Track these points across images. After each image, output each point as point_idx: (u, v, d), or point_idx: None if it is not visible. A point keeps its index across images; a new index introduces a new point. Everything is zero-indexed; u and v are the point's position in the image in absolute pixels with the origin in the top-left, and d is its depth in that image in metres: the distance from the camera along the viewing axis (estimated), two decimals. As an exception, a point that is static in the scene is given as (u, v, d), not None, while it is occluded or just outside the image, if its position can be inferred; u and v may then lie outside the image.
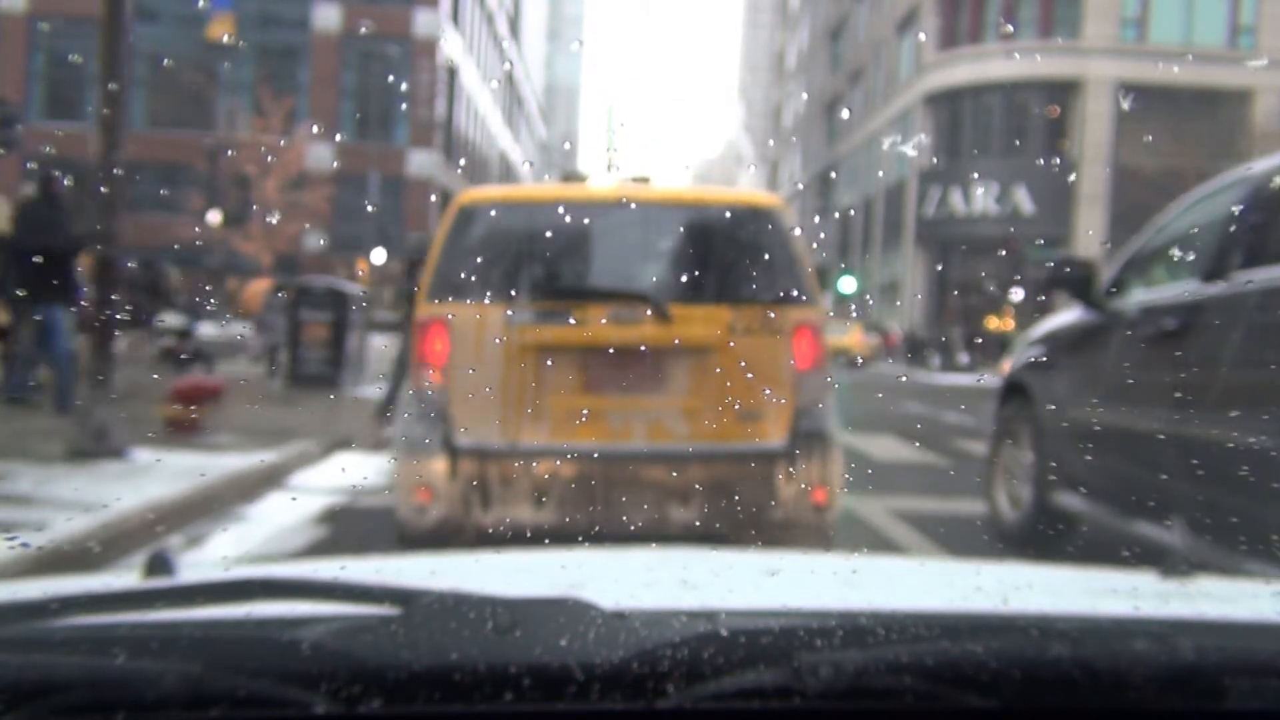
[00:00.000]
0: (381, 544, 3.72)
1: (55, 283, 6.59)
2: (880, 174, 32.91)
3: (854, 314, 32.88)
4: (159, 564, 0.90)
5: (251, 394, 9.69)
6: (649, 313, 3.21)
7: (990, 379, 18.24)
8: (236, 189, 19.82)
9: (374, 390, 10.51)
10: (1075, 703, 0.67)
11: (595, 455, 3.17)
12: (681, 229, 3.56)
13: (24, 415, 6.81)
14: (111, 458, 5.06)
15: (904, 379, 22.12)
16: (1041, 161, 26.25)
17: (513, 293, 3.24)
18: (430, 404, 3.22)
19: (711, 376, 3.24)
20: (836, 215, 38.99)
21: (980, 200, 26.56)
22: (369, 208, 28.57)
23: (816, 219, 42.90)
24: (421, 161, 32.40)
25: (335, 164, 29.88)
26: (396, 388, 6.93)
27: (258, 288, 16.58)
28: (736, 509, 3.16)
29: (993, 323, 26.35)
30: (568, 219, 3.43)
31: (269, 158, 26.22)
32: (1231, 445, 2.75)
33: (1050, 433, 4.05)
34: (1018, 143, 26.53)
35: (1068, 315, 4.27)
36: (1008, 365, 4.96)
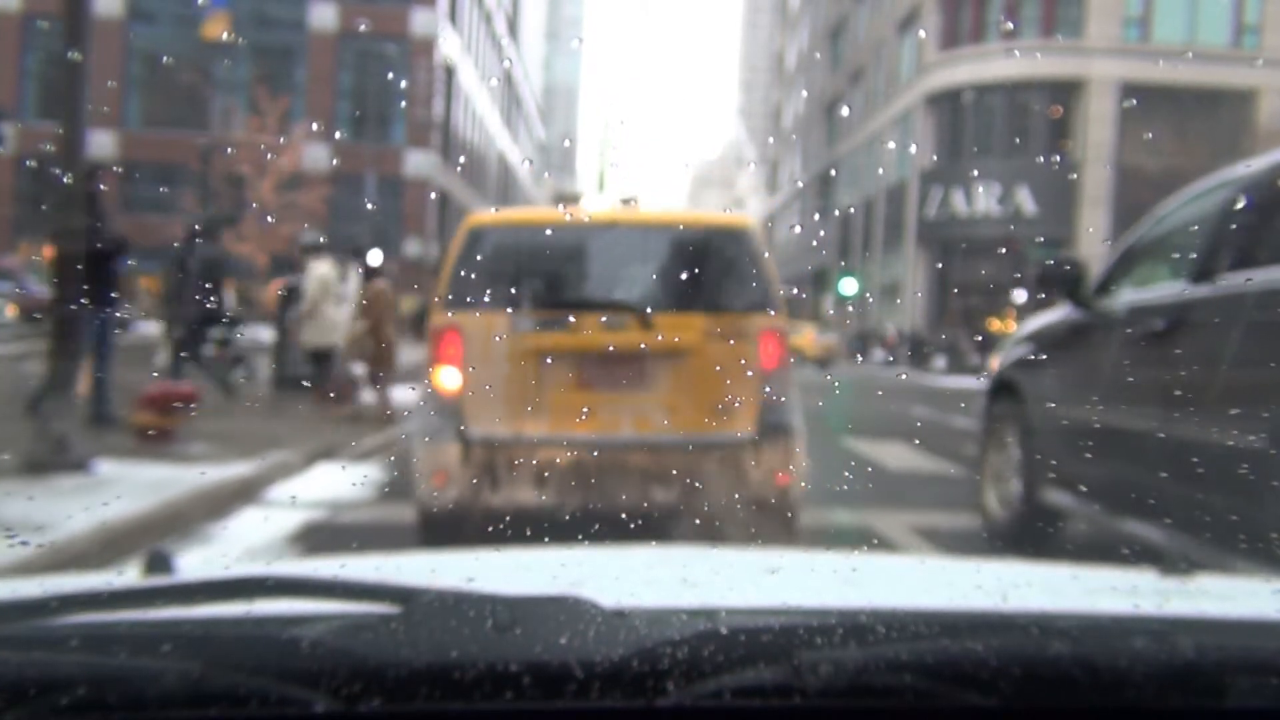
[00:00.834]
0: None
1: (101, 287, 6.04)
2: (881, 174, 32.95)
3: (845, 314, 32.90)
4: (159, 562, 0.90)
5: (237, 399, 9.19)
6: (635, 320, 3.70)
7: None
8: (229, 188, 19.78)
9: (368, 395, 10.35)
10: (1075, 701, 0.68)
11: (589, 444, 3.62)
12: (663, 247, 4.06)
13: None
14: (72, 471, 4.63)
15: (904, 376, 22.14)
16: (1044, 162, 26.28)
17: (516, 303, 3.76)
18: (447, 400, 3.69)
19: (689, 375, 3.71)
20: (837, 215, 39.02)
21: (982, 201, 26.59)
22: (367, 208, 28.58)
23: (816, 219, 42.92)
24: (419, 162, 32.42)
25: (332, 164, 29.91)
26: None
27: (275, 287, 16.52)
28: (711, 490, 3.61)
29: (994, 324, 26.37)
30: (564, 239, 3.96)
31: (268, 156, 26.24)
32: (1220, 445, 2.82)
33: (1039, 431, 4.09)
34: (1020, 143, 26.56)
35: (1056, 314, 4.31)
36: (996, 363, 4.93)
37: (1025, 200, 25.90)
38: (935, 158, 28.81)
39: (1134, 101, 24.20)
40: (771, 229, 57.99)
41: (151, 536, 3.88)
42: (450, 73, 35.10)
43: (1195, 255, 3.34)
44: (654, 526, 3.64)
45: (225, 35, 28.55)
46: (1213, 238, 3.29)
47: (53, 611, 0.73)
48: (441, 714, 0.67)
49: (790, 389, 3.83)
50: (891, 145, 31.75)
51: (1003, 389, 4.57)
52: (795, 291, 46.13)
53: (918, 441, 8.32)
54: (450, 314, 3.74)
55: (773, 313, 3.81)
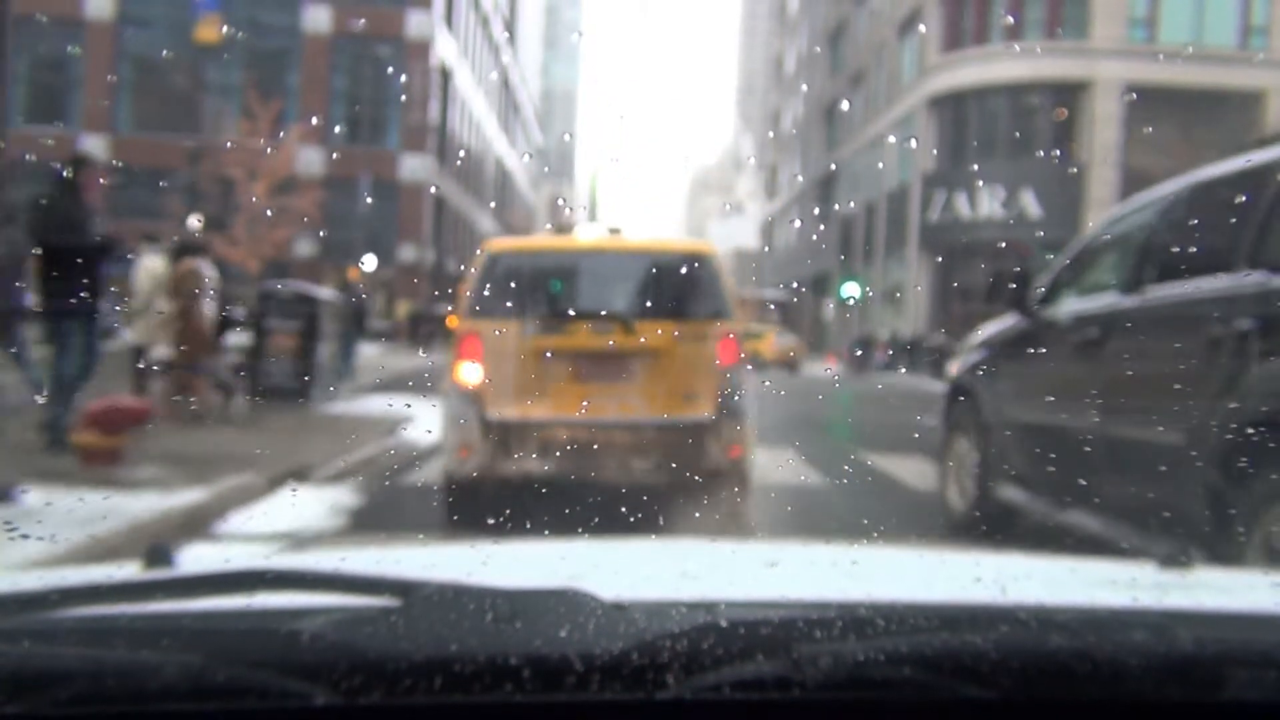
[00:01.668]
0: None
1: (82, 291, 5.48)
2: (883, 177, 33.00)
3: (845, 318, 32.95)
4: (159, 555, 0.92)
5: (206, 413, 8.41)
6: (619, 326, 4.68)
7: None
8: (218, 192, 19.76)
9: (346, 405, 9.77)
10: (1074, 693, 0.69)
11: (583, 424, 4.61)
12: (641, 268, 5.09)
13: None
14: (-9, 501, 4.07)
15: (904, 371, 22.20)
16: (1049, 164, 26.32)
17: (524, 312, 4.71)
18: (469, 391, 4.66)
19: (662, 370, 4.68)
20: (837, 218, 39.08)
21: (986, 204, 26.61)
22: (362, 210, 28.59)
23: (816, 223, 42.99)
24: (414, 166, 32.45)
25: (329, 166, 29.94)
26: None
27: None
28: (679, 460, 4.60)
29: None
30: (562, 262, 5.15)
31: (260, 158, 26.22)
32: (1144, 441, 3.24)
33: (991, 431, 4.49)
34: (1024, 145, 26.60)
35: (1006, 322, 4.67)
36: (954, 368, 5.18)
37: (1030, 203, 25.93)
38: (938, 160, 28.86)
39: (1134, 96, 24.21)
40: (770, 233, 58.14)
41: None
42: (446, 76, 35.16)
43: (1127, 267, 3.72)
44: (637, 493, 4.54)
45: (218, 37, 28.63)
46: (1140, 252, 3.66)
47: (53, 605, 0.74)
48: (442, 707, 0.68)
49: (743, 380, 4.80)
50: (893, 144, 31.82)
51: (959, 393, 4.97)
52: (794, 298, 46.20)
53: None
54: (472, 322, 4.71)
55: (729, 320, 4.79)
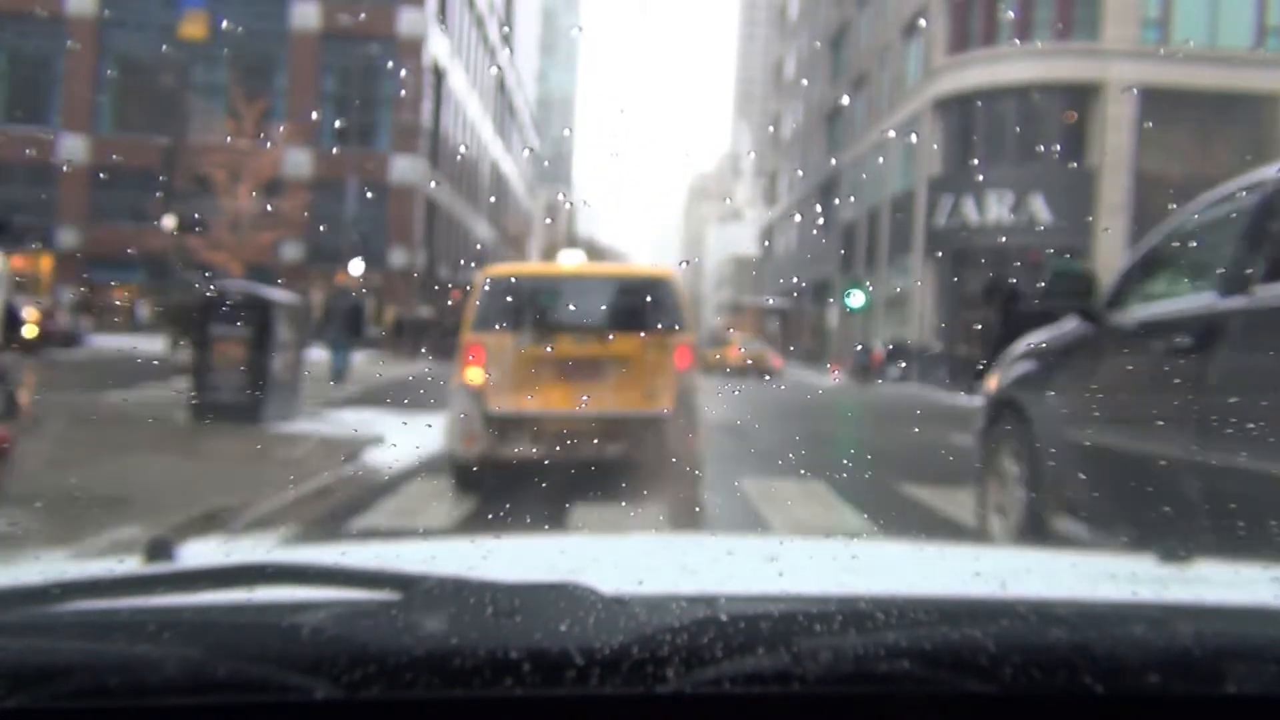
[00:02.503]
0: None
1: None
2: (886, 181, 33.09)
3: (849, 327, 33.02)
4: (160, 549, 0.94)
5: (131, 433, 7.59)
6: (595, 337, 6.00)
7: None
8: (196, 191, 19.63)
9: (307, 424, 8.82)
10: (1074, 687, 0.71)
11: (566, 416, 5.88)
12: (614, 290, 6.48)
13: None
14: None
15: (919, 382, 22.13)
16: (1059, 168, 26.39)
17: (518, 326, 5.99)
18: (472, 389, 5.89)
19: (630, 372, 5.96)
20: (839, 225, 39.21)
21: (994, 209, 26.68)
22: (351, 214, 28.57)
23: (816, 230, 43.08)
24: (405, 168, 32.46)
25: (317, 167, 29.95)
26: None
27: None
28: (644, 445, 5.84)
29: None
30: (548, 284, 6.55)
31: (244, 158, 26.18)
32: (1251, 471, 2.74)
33: (1045, 454, 4.01)
34: (1033, 149, 26.67)
35: (1062, 328, 4.31)
36: (994, 382, 4.76)
37: (1040, 208, 26.00)
38: (944, 164, 28.93)
39: (1133, 91, 24.25)
40: (770, 239, 58.35)
41: None
42: (439, 76, 35.22)
43: (1224, 266, 3.27)
44: (609, 471, 5.81)
45: (204, 35, 28.68)
46: (1245, 245, 3.19)
47: (54, 598, 0.76)
48: (442, 701, 0.70)
49: (696, 383, 6.15)
50: (898, 149, 31.91)
51: (1003, 409, 4.50)
52: (794, 305, 46.29)
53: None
54: (475, 333, 6.02)
55: (684, 333, 6.09)
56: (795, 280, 46.45)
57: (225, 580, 0.80)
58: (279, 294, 9.59)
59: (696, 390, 6.09)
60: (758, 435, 10.90)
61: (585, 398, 5.84)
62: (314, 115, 31.68)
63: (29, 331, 17.47)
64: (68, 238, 30.73)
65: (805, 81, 48.30)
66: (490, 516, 5.30)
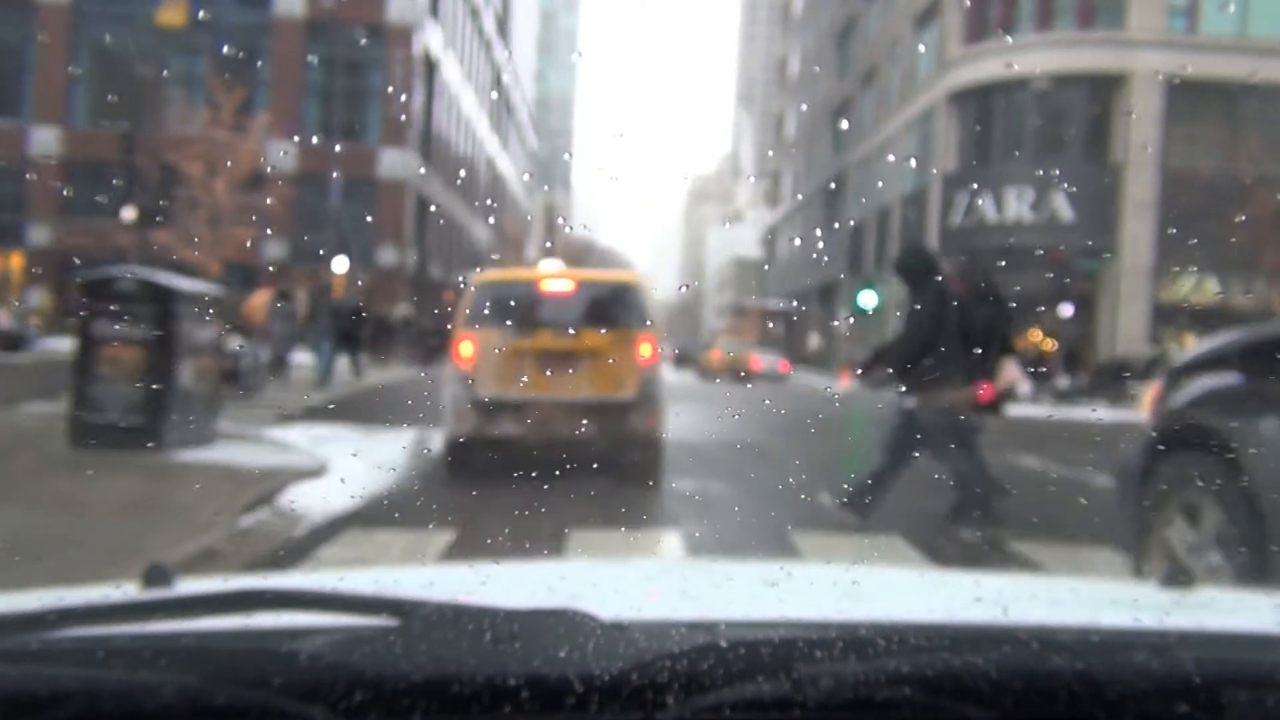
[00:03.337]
0: None
1: None
2: (897, 180, 33.13)
3: (858, 330, 33.06)
4: (157, 575, 0.98)
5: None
6: (570, 333, 7.16)
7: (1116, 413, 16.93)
8: (162, 182, 19.46)
9: (224, 450, 7.34)
10: (1075, 714, 0.75)
11: (545, 401, 7.10)
12: (588, 292, 7.63)
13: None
14: None
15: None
16: (1082, 164, 26.42)
17: (504, 322, 7.20)
18: (464, 377, 7.14)
19: (601, 364, 7.17)
20: (846, 226, 39.31)
21: (1013, 207, 26.70)
22: (337, 209, 28.57)
23: (820, 231, 43.16)
24: (395, 162, 32.47)
25: (301, 160, 29.95)
26: None
27: (259, 299, 16.72)
28: (612, 426, 7.07)
29: (1032, 340, 26.38)
30: (531, 288, 7.68)
31: (221, 150, 26.07)
32: None
33: (1266, 500, 3.12)
34: (1055, 144, 26.69)
35: (1273, 328, 3.63)
36: (1152, 399, 3.89)
37: (1062, 206, 26.01)
38: (959, 160, 28.96)
39: (1160, 76, 24.22)
40: (773, 242, 58.59)
41: None
42: (431, 67, 35.26)
43: None
44: (582, 448, 7.14)
45: (183, 22, 28.70)
46: None
47: (51, 624, 0.80)
48: None
49: (658, 374, 7.40)
50: (909, 145, 31.95)
51: (1185, 437, 3.56)
52: (797, 308, 46.37)
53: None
54: (467, 329, 7.27)
55: (648, 330, 7.35)
56: (801, 284, 46.55)
57: (223, 606, 0.83)
58: (186, 282, 7.89)
59: (658, 379, 7.42)
60: (784, 458, 9.47)
61: (561, 385, 7.12)
62: (296, 108, 31.70)
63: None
64: (39, 235, 30.78)
65: (817, 70, 48.42)
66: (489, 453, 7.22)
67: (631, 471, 7.18)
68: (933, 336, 5.58)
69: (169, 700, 0.70)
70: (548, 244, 59.43)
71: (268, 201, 27.03)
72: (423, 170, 34.08)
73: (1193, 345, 3.65)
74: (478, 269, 39.66)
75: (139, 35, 28.14)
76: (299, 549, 4.94)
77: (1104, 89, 26.32)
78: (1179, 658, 0.77)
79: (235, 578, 1.15)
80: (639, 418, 7.16)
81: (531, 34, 74.04)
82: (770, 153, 62.67)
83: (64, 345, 13.29)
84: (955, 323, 5.59)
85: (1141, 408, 3.92)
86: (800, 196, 50.44)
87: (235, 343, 13.80)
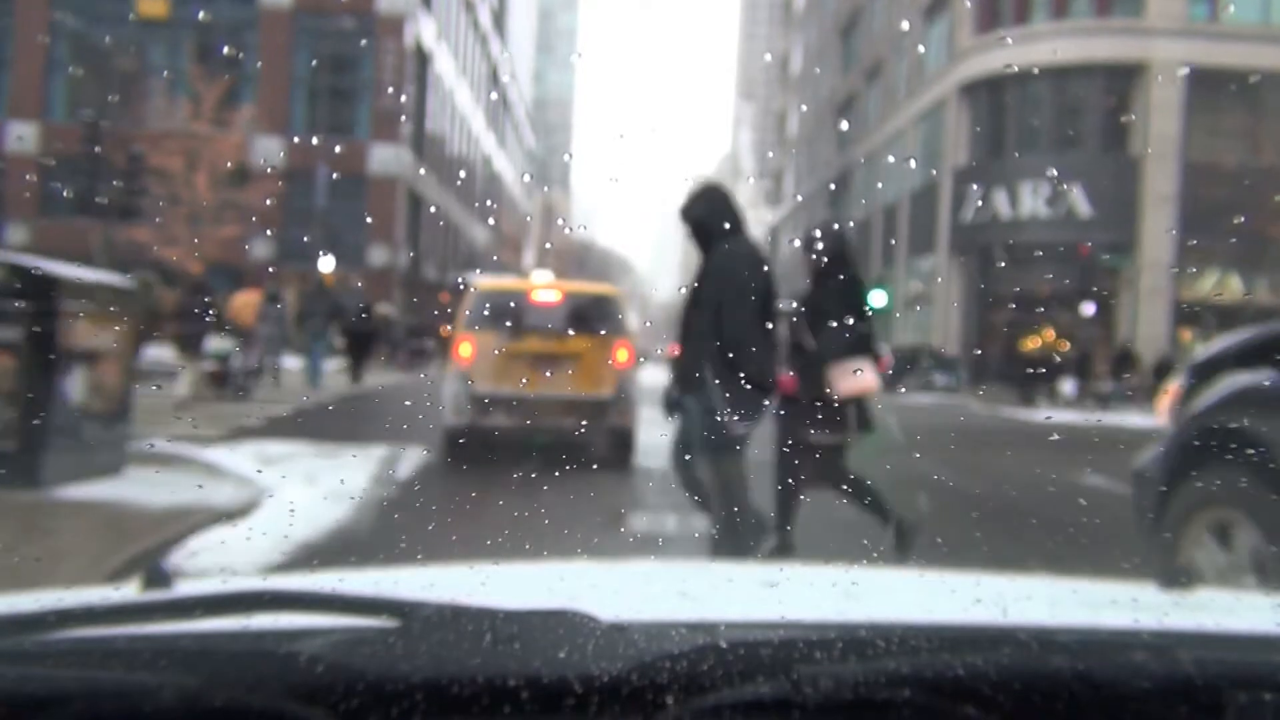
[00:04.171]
0: None
1: None
2: (904, 175, 33.17)
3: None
4: (156, 576, 1.01)
5: None
6: (556, 337, 8.44)
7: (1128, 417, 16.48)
8: (127, 173, 19.35)
9: (122, 488, 5.95)
10: (1075, 715, 0.78)
11: (533, 397, 8.26)
12: (572, 302, 9.05)
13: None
14: None
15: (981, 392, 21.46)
16: (1100, 157, 26.43)
17: (498, 326, 8.48)
18: (463, 374, 8.35)
19: (582, 365, 8.44)
20: (852, 224, 39.37)
21: (1029, 202, 26.72)
22: (326, 206, 28.53)
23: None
24: (386, 157, 32.50)
25: (288, 156, 29.94)
26: None
27: (246, 299, 16.80)
28: (591, 420, 8.26)
29: (1046, 340, 26.38)
30: (524, 296, 9.26)
31: (203, 144, 25.97)
32: None
33: None
34: (1072, 136, 26.71)
35: None
36: (1168, 401, 3.73)
37: (1079, 200, 26.03)
38: (971, 154, 28.97)
39: (1181, 65, 24.20)
40: (775, 242, 58.79)
41: None
42: (424, 59, 35.30)
43: None
44: (565, 438, 8.63)
45: (164, 12, 28.74)
46: None
47: (50, 626, 0.83)
48: None
49: (633, 376, 8.75)
50: (917, 140, 31.99)
51: (1214, 444, 3.33)
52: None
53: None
54: (465, 331, 8.61)
55: (625, 337, 8.69)
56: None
57: (222, 607, 0.86)
58: (75, 270, 6.55)
59: (633, 380, 8.78)
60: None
61: (548, 383, 8.37)
62: (283, 101, 31.71)
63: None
64: (16, 234, 30.81)
65: (813, 81, 48.60)
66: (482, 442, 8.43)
67: (608, 460, 8.56)
68: (701, 319, 4.38)
69: (168, 702, 0.73)
70: (547, 244, 59.75)
71: (255, 199, 27.01)
72: (415, 167, 34.11)
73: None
74: (477, 270, 39.84)
75: (119, 26, 28.15)
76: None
77: (1122, 79, 26.35)
78: (1179, 658, 0.80)
79: (235, 579, 1.18)
80: (615, 413, 8.53)
81: (529, 32, 74.69)
82: (770, 154, 63.03)
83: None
84: (751, 302, 4.31)
85: (1157, 411, 3.66)
86: (802, 196, 50.56)
87: (225, 344, 13.89)
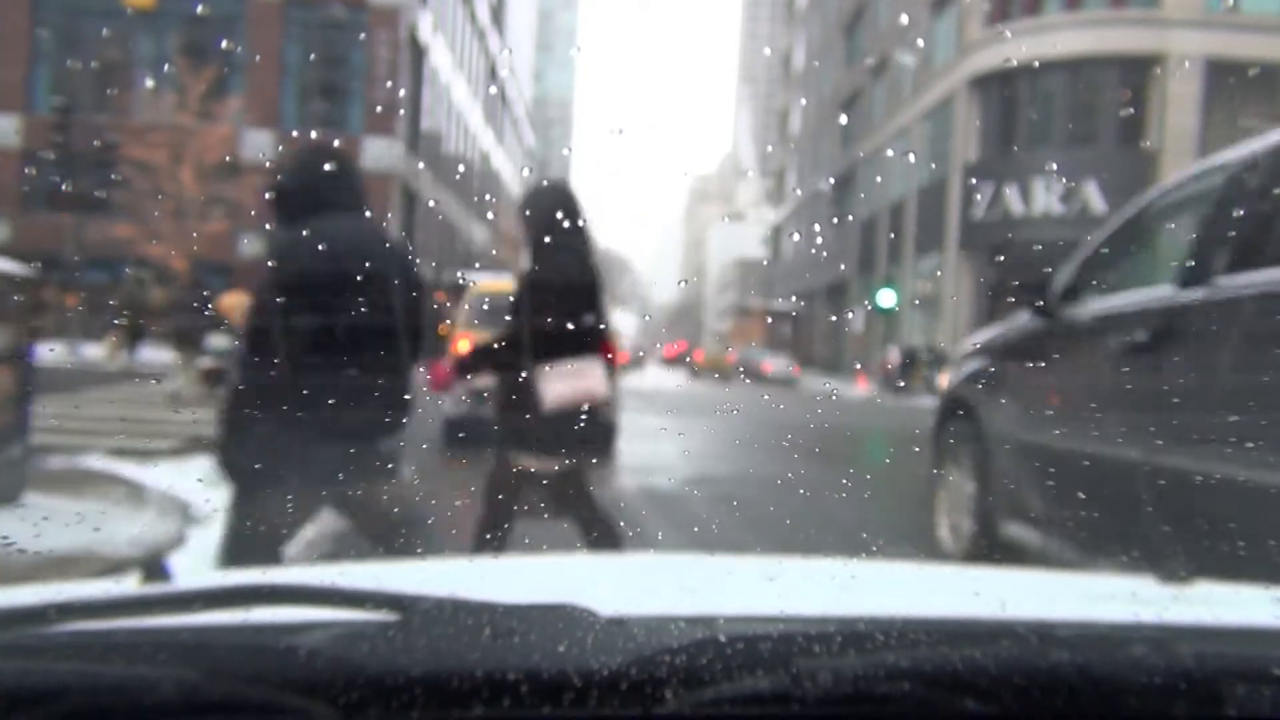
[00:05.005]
0: None
1: None
2: (911, 172, 33.17)
3: (875, 330, 33.14)
4: (156, 570, 1.03)
5: None
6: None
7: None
8: (100, 165, 19.25)
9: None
10: (1074, 709, 0.80)
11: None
12: None
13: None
14: None
15: None
16: (1115, 152, 26.41)
17: (493, 325, 7.60)
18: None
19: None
20: (856, 222, 39.44)
21: (1041, 198, 26.71)
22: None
23: (831, 228, 43.36)
24: (380, 152, 32.42)
25: (278, 150, 29.91)
26: None
27: (233, 300, 16.85)
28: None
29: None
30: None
31: (188, 136, 25.84)
32: (1217, 475, 2.82)
33: (997, 456, 4.32)
34: (1086, 130, 26.70)
35: (1015, 323, 4.53)
36: (945, 380, 5.24)
37: (1093, 197, 26.00)
38: (982, 149, 28.96)
39: (1198, 57, 24.19)
40: (777, 241, 59.01)
41: None
42: (419, 52, 35.29)
43: (1183, 256, 3.40)
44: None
45: (152, 3, 28.72)
46: (1204, 235, 3.32)
47: (49, 619, 0.85)
48: None
49: (615, 374, 9.38)
50: (925, 136, 32.00)
51: (954, 409, 4.91)
52: (800, 309, 46.77)
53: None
54: (465, 329, 9.56)
55: (608, 333, 9.30)
56: (808, 283, 46.71)
57: (222, 601, 0.88)
58: None
59: (615, 378, 9.33)
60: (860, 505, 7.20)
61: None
62: (273, 93, 31.68)
63: None
64: (-1, 231, 30.83)
65: (817, 78, 48.71)
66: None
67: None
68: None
69: (168, 695, 0.75)
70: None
71: (244, 194, 26.89)
72: (410, 162, 34.11)
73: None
74: (476, 266, 39.85)
75: (106, 18, 28.13)
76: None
77: (1138, 71, 26.32)
78: (1177, 652, 0.83)
79: (233, 573, 1.21)
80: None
81: (529, 29, 74.97)
82: (770, 148, 63.26)
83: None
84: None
85: (940, 387, 5.40)
86: (805, 193, 50.67)
87: (224, 342, 14.03)
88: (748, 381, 33.46)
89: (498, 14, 52.93)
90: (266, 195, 3.56)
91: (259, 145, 29.70)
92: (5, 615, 0.87)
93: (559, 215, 3.92)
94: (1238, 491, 2.74)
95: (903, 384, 26.42)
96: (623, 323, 55.81)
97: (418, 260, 3.68)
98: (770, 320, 53.54)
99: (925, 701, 0.79)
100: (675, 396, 22.40)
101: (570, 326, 3.84)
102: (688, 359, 52.84)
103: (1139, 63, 26.10)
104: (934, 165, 31.69)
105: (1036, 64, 26.58)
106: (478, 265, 40.27)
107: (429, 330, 3.60)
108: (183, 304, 14.00)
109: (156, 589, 1.01)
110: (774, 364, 36.03)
